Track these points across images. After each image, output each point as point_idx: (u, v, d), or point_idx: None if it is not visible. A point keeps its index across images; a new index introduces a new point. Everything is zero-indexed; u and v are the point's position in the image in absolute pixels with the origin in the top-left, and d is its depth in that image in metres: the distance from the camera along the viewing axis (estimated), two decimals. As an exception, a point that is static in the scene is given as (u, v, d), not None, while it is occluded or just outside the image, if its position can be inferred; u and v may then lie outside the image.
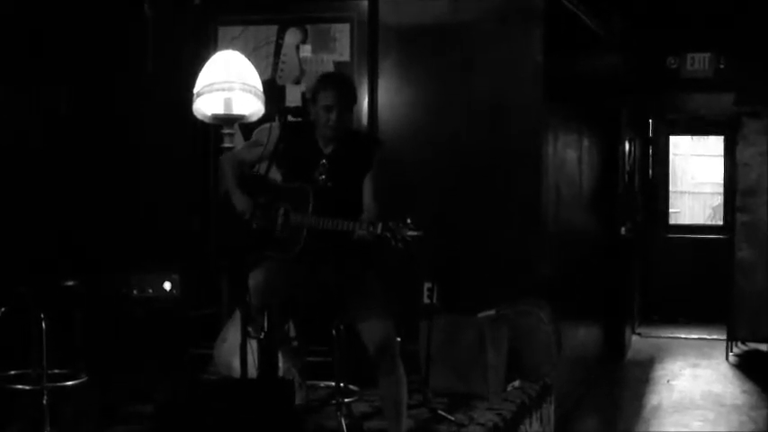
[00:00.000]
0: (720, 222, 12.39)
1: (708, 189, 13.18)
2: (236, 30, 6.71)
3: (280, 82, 6.63)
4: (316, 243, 4.30)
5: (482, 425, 5.00)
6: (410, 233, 3.95)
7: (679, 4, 9.97)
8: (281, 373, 4.94)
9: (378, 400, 4.72)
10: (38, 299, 4.96)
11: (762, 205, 9.42)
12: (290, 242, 4.32)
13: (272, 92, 6.45)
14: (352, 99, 4.46)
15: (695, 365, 9.07)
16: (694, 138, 13.13)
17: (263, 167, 4.46)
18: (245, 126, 6.30)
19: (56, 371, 5.12)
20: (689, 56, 10.26)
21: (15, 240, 6.06)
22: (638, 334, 10.67)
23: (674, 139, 12.73)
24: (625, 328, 9.66)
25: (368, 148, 4.47)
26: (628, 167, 9.96)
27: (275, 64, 6.65)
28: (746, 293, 9.37)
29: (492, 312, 5.97)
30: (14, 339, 5.23)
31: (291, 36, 6.65)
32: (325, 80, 4.48)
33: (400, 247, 3.97)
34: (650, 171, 12.12)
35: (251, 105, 5.94)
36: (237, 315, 5.02)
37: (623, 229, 9.39)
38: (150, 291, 6.18)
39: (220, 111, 5.89)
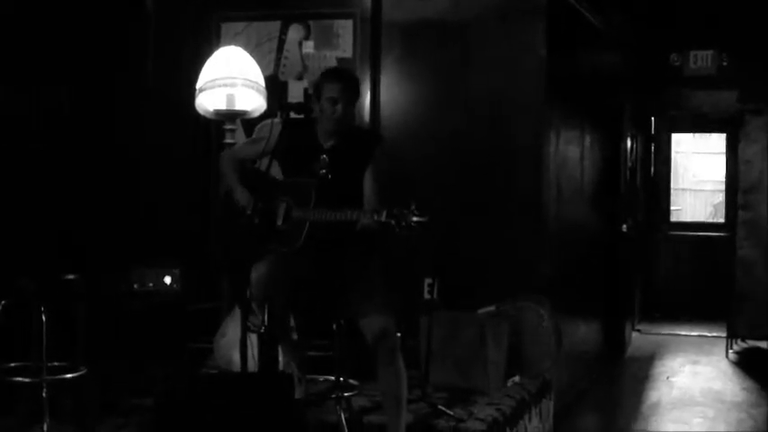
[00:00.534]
0: (722, 220, 12.38)
1: (709, 186, 13.18)
2: (239, 26, 6.72)
3: (282, 78, 6.64)
4: (318, 236, 4.31)
5: (482, 420, 5.01)
6: (415, 219, 3.95)
7: (682, 1, 9.97)
8: (280, 367, 4.96)
9: (377, 395, 4.73)
10: (39, 292, 4.97)
11: (763, 203, 9.41)
12: (293, 236, 4.34)
13: (275, 88, 6.46)
14: (356, 93, 4.50)
15: (695, 362, 9.08)
16: (696, 135, 13.13)
17: (264, 164, 4.48)
18: (247, 122, 6.31)
19: (56, 364, 5.13)
20: (692, 53, 10.26)
21: (17, 235, 6.07)
22: (639, 331, 10.67)
23: (676, 137, 12.73)
24: (625, 325, 9.66)
25: (367, 142, 4.50)
26: (629, 165, 9.96)
27: (278, 60, 6.66)
28: (747, 291, 9.37)
29: (492, 308, 5.98)
30: (15, 332, 5.25)
31: (294, 32, 6.66)
32: (331, 73, 4.54)
33: (405, 234, 3.96)
34: (652, 168, 12.11)
35: (253, 101, 5.95)
36: (237, 309, 5.04)
37: (624, 227, 9.38)
38: (151, 285, 6.19)
39: (223, 106, 5.90)
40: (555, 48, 6.38)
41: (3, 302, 5.03)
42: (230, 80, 5.85)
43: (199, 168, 6.68)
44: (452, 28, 6.41)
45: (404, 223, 3.94)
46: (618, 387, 8.23)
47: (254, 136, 6.20)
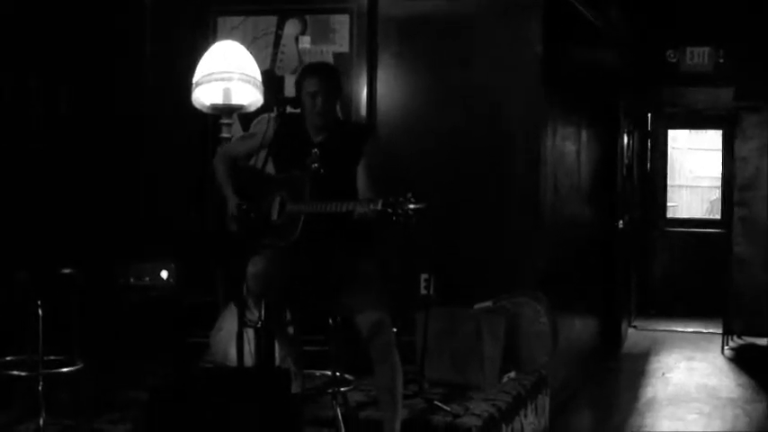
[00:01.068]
0: (718, 216, 12.40)
1: (706, 183, 13.19)
2: (236, 20, 6.71)
3: (278, 72, 6.64)
4: (313, 230, 4.31)
5: (477, 415, 5.01)
6: (412, 206, 3.93)
7: (679, -2, 10.00)
8: (277, 362, 4.96)
9: (373, 390, 4.73)
10: (35, 286, 4.96)
11: (759, 200, 9.43)
12: (288, 230, 4.34)
13: (271, 82, 6.46)
14: (337, 86, 4.51)
15: (691, 359, 9.09)
16: (692, 132, 13.14)
17: (260, 160, 4.48)
18: (243, 116, 6.31)
19: (52, 357, 5.13)
20: (688, 50, 10.26)
21: (13, 228, 6.06)
22: (635, 327, 10.68)
23: (672, 133, 12.73)
24: (621, 321, 9.67)
25: (358, 136, 4.51)
26: (626, 161, 9.96)
27: (274, 54, 6.65)
28: (743, 287, 9.39)
29: (489, 304, 5.99)
30: (11, 326, 5.24)
31: (291, 27, 6.65)
32: (309, 68, 4.59)
33: (402, 222, 3.94)
34: (648, 165, 12.12)
35: (249, 96, 5.95)
36: (234, 304, 5.04)
37: (621, 223, 9.39)
38: (147, 279, 6.19)
39: (219, 101, 5.89)
40: (552, 44, 6.38)
41: (-1, 296, 5.03)
42: (227, 74, 5.84)
43: (195, 163, 6.67)
44: (449, 23, 6.40)
45: (400, 211, 3.92)
46: (613, 383, 8.24)
47: (250, 131, 6.22)
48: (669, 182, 12.73)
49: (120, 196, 6.75)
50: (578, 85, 7.74)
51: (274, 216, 4.42)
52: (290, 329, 5.02)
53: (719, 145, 12.27)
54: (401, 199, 3.93)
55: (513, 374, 5.82)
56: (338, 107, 4.63)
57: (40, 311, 4.89)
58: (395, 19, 6.46)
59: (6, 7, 6.15)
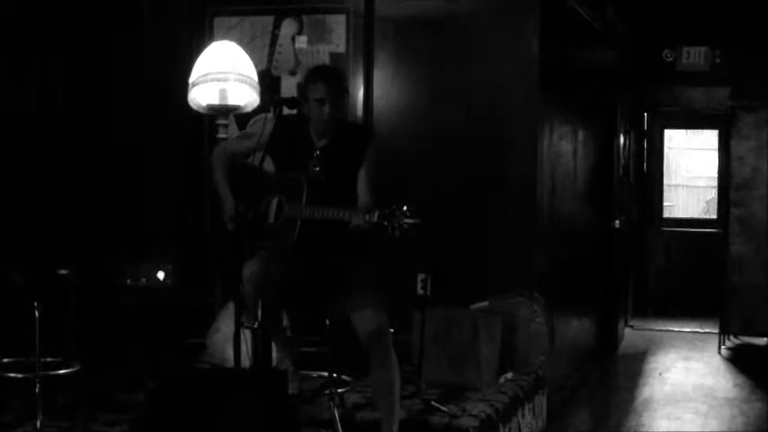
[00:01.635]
0: (714, 216, 12.41)
1: (702, 183, 13.21)
2: (232, 20, 6.71)
3: (275, 73, 6.64)
4: (310, 233, 4.30)
5: (475, 416, 5.01)
6: (407, 221, 3.94)
7: (675, -3, 10.00)
8: (274, 362, 4.95)
9: (371, 391, 4.73)
10: (31, 287, 4.96)
11: (755, 199, 9.43)
12: (285, 233, 4.33)
13: (268, 83, 6.45)
14: (344, 90, 4.48)
15: (688, 358, 9.09)
16: (689, 131, 13.14)
17: (257, 158, 4.47)
18: (240, 117, 6.30)
19: (48, 359, 5.12)
20: (685, 49, 10.25)
21: (9, 229, 6.05)
22: (631, 327, 10.68)
23: (668, 133, 12.74)
24: (618, 321, 9.67)
25: (361, 140, 4.49)
26: (623, 160, 9.96)
27: (271, 55, 6.65)
28: (739, 287, 9.39)
29: (485, 304, 5.99)
30: (7, 327, 5.23)
31: (287, 27, 6.65)
32: (315, 73, 4.47)
33: (397, 236, 3.95)
34: (645, 164, 12.12)
35: (246, 96, 5.94)
36: (231, 305, 5.03)
37: (617, 222, 9.39)
38: (144, 280, 6.18)
39: (215, 101, 5.88)
40: (549, 43, 6.38)
41: (-6, 298, 5.03)
42: (223, 75, 5.83)
43: (192, 163, 6.67)
44: (446, 23, 6.40)
45: (396, 224, 3.93)
46: (610, 383, 8.24)
47: (246, 130, 6.20)
48: (666, 181, 12.75)
49: (117, 197, 6.74)
50: (575, 85, 7.74)
51: (271, 218, 4.41)
52: (287, 330, 5.01)
53: (716, 144, 12.28)
54: (397, 212, 3.94)
55: (510, 375, 5.82)
56: (347, 106, 4.60)
57: (36, 313, 4.88)
58: (391, 19, 6.46)
59: (6, 9, 6.15)
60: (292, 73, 6.60)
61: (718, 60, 10.16)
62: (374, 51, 6.45)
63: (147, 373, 5.26)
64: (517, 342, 5.95)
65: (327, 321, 4.65)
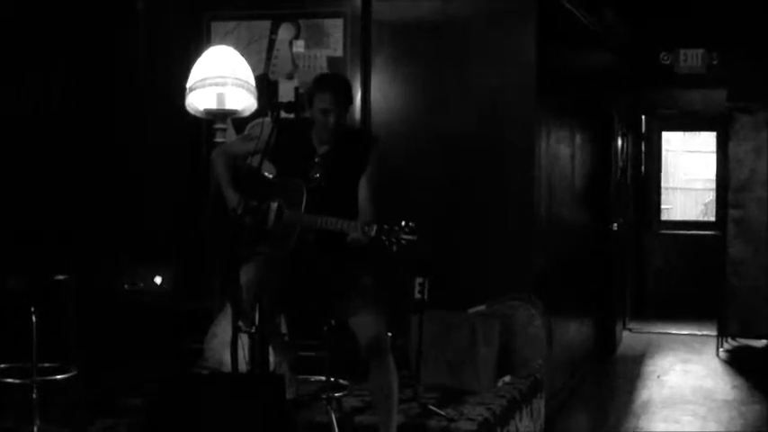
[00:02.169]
0: (712, 218, 12.41)
1: (700, 185, 13.22)
2: (230, 25, 6.71)
3: (272, 77, 6.64)
4: (309, 239, 4.30)
5: (472, 420, 5.01)
6: (405, 237, 3.95)
7: (672, 0, 9.99)
8: (271, 367, 4.95)
9: (368, 395, 4.73)
10: (29, 293, 4.96)
11: (753, 201, 9.43)
12: (283, 238, 4.33)
13: (265, 87, 6.46)
14: (349, 100, 4.46)
15: (686, 361, 9.09)
16: (686, 133, 13.15)
17: (255, 161, 4.46)
18: (237, 121, 6.30)
19: (46, 364, 5.12)
20: (682, 52, 10.26)
21: (6, 234, 6.05)
22: (629, 329, 10.68)
23: (666, 135, 12.75)
24: (616, 324, 9.67)
25: (363, 146, 4.46)
26: (620, 163, 9.97)
27: (268, 59, 6.65)
28: (737, 290, 9.39)
29: (483, 308, 5.99)
30: (5, 333, 5.23)
31: (285, 31, 6.65)
32: (322, 82, 4.44)
33: (394, 250, 3.97)
34: (642, 167, 12.13)
35: (243, 100, 5.95)
36: (228, 309, 5.03)
37: (615, 225, 9.40)
38: (141, 285, 6.19)
39: (213, 106, 5.89)
40: (546, 46, 6.38)
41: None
42: (221, 79, 5.84)
43: (190, 168, 6.67)
44: (443, 26, 6.41)
45: (394, 240, 3.95)
46: (609, 386, 8.24)
47: (245, 133, 6.21)
48: (663, 184, 12.76)
49: (115, 202, 6.74)
50: (572, 88, 7.75)
51: (270, 223, 4.41)
52: (285, 336, 5.01)
53: (713, 147, 12.29)
54: (396, 228, 3.94)
55: (508, 378, 5.82)
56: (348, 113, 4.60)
57: (34, 318, 4.88)
58: (388, 23, 6.46)
59: (5, 10, 6.15)
60: (290, 77, 6.61)
61: (715, 62, 10.17)
62: (372, 55, 6.46)
63: (145, 377, 5.27)
64: (515, 346, 5.95)
65: (325, 326, 4.65)
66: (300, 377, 5.10)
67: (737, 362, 9.08)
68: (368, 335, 4.35)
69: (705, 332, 10.28)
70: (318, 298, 4.54)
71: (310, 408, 5.02)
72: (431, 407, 5.13)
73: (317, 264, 4.43)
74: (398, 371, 4.46)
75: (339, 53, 6.52)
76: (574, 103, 7.86)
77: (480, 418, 5.05)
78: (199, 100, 5.91)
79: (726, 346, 9.57)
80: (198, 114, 6.01)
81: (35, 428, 4.66)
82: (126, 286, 6.17)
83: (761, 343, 9.59)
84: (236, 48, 6.14)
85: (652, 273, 12.17)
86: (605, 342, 9.23)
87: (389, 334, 4.48)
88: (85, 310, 5.48)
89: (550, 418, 6.35)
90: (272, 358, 4.99)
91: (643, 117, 11.99)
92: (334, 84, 4.44)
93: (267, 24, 6.67)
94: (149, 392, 3.92)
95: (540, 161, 6.49)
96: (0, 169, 6.14)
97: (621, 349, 9.69)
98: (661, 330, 10.77)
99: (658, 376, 8.41)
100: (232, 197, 4.52)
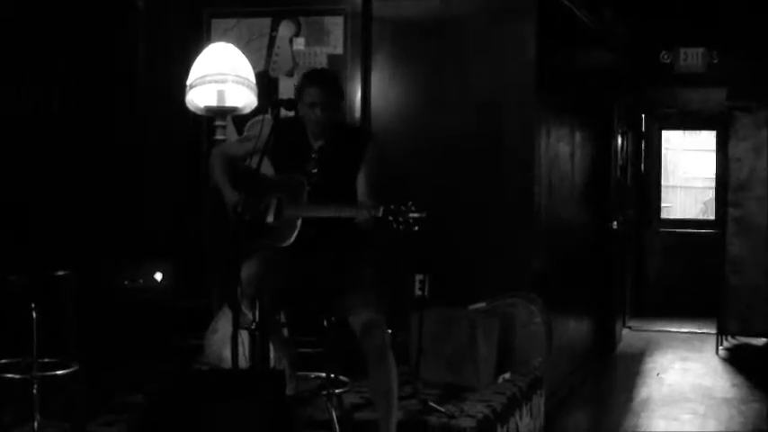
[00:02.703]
0: (712, 217, 12.42)
1: (699, 184, 13.23)
2: (230, 22, 6.72)
3: (273, 74, 6.64)
4: (309, 234, 4.31)
5: (472, 416, 5.01)
6: (412, 215, 3.94)
7: (672, -1, 10.01)
8: (271, 363, 4.95)
9: (368, 392, 4.73)
10: (29, 288, 4.96)
11: (753, 200, 9.44)
12: (284, 233, 4.33)
13: (266, 84, 6.46)
14: (338, 95, 4.48)
15: (685, 359, 9.10)
16: (686, 132, 13.15)
17: (254, 160, 4.47)
18: (237, 118, 6.31)
19: (46, 360, 5.12)
20: (682, 50, 10.26)
21: (6, 231, 6.05)
22: (629, 327, 10.70)
23: (666, 134, 12.76)
24: (616, 322, 9.68)
25: (359, 142, 4.49)
26: (620, 162, 9.98)
27: (268, 56, 6.65)
28: (737, 288, 9.40)
29: (483, 305, 5.99)
30: (5, 328, 5.23)
31: (285, 28, 6.65)
32: (309, 77, 4.48)
33: (401, 230, 3.94)
34: (642, 165, 12.14)
35: (244, 97, 5.95)
36: (228, 306, 5.03)
37: (615, 223, 9.40)
38: (141, 281, 6.19)
39: (213, 103, 5.89)
40: (546, 45, 6.38)
41: (-7, 299, 5.03)
42: (221, 76, 5.84)
43: (190, 165, 6.67)
44: (443, 24, 6.41)
45: (401, 219, 3.93)
46: (608, 383, 8.25)
47: (244, 133, 6.22)
48: (663, 182, 12.76)
49: (114, 198, 6.74)
50: (572, 87, 7.75)
51: (270, 217, 4.41)
52: (285, 332, 5.02)
53: (713, 145, 12.30)
54: (402, 207, 3.94)
55: (507, 375, 5.82)
56: (344, 108, 4.60)
57: (34, 314, 4.88)
58: (389, 20, 6.46)
59: (5, 10, 6.15)
60: (290, 74, 6.61)
61: (715, 61, 10.17)
62: (372, 53, 6.46)
63: (145, 374, 5.27)
64: (515, 343, 5.96)
65: (325, 322, 4.65)
66: (300, 374, 5.10)
67: (737, 360, 9.09)
68: (367, 331, 4.36)
69: (705, 330, 10.29)
70: (318, 295, 4.54)
71: (310, 404, 5.03)
72: (431, 403, 5.13)
73: (318, 261, 4.44)
74: (398, 367, 4.46)
75: (339, 51, 6.52)
76: (574, 102, 7.86)
77: (480, 415, 5.05)
78: (199, 97, 5.92)
79: (725, 344, 9.58)
80: (198, 111, 6.01)
81: (35, 424, 4.66)
82: (126, 283, 6.17)
83: (760, 341, 9.60)
84: (237, 45, 6.15)
85: (652, 271, 12.18)
86: (605, 340, 9.24)
87: (389, 331, 4.48)
88: (86, 306, 5.48)
89: (550, 415, 6.35)
90: (272, 355, 4.99)
91: (643, 116, 11.99)
92: (321, 78, 4.48)
93: (267, 21, 6.67)
94: (149, 389, 3.92)
95: (539, 159, 6.49)
96: (0, 168, 6.13)
97: (621, 347, 9.70)
98: (661, 328, 10.78)
99: (658, 374, 8.42)
100: (231, 197, 4.53)
